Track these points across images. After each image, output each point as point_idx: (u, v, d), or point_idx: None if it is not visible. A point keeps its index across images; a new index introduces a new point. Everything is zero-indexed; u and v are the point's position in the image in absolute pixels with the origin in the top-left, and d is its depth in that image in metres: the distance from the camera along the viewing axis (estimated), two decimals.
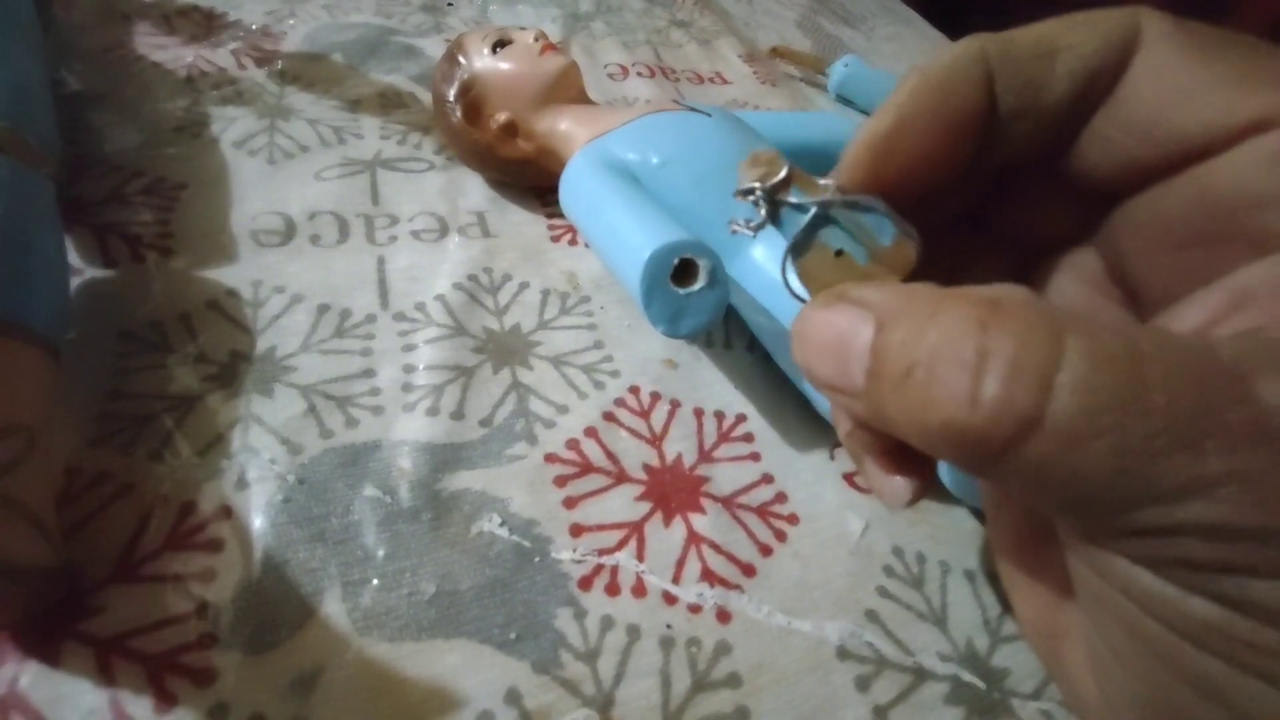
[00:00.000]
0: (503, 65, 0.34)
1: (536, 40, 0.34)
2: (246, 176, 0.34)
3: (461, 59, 0.35)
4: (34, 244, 0.23)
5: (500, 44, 0.34)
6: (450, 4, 0.55)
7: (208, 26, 0.44)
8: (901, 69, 0.61)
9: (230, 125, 0.37)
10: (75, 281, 0.28)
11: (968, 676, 0.23)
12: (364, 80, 0.43)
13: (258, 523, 0.22)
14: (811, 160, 0.34)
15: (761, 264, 0.28)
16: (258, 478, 0.24)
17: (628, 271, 0.24)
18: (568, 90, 0.34)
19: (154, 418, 0.24)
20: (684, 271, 0.24)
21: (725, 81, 0.55)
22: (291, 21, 0.47)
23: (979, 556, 0.27)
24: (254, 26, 0.45)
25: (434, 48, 0.49)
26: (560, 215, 0.37)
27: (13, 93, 0.26)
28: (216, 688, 0.19)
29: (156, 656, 0.19)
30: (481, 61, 0.34)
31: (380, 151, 0.38)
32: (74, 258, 0.28)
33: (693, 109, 0.31)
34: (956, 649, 0.24)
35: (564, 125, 0.33)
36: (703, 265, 0.24)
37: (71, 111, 0.35)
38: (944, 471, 0.26)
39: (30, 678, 0.18)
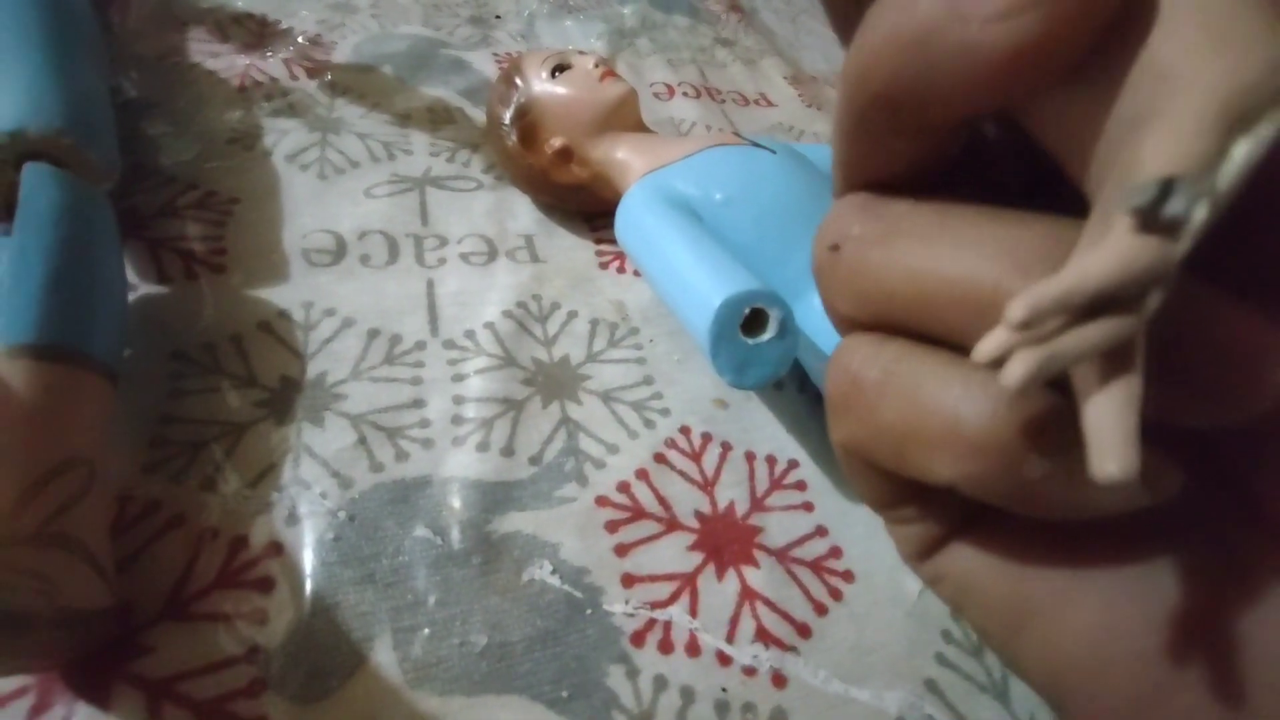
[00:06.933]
0: (561, 90, 0.33)
1: (596, 66, 0.34)
2: (298, 192, 0.34)
3: (519, 81, 0.34)
4: (96, 267, 0.23)
5: (560, 68, 0.34)
6: (498, 16, 0.54)
7: (260, 34, 0.44)
8: None
9: (283, 138, 0.37)
10: (130, 298, 0.27)
11: None
12: (413, 93, 0.43)
13: (308, 561, 0.22)
14: None
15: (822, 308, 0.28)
16: (308, 512, 0.23)
17: (694, 316, 0.24)
18: (626, 118, 0.34)
19: (205, 445, 0.24)
20: (753, 321, 0.23)
21: (770, 104, 0.54)
22: (341, 31, 0.47)
23: None
24: (305, 35, 0.45)
25: (481, 61, 0.48)
26: (609, 241, 0.36)
27: (76, 107, 0.26)
28: None
29: (208, 702, 0.19)
30: (540, 85, 0.34)
31: (430, 169, 0.38)
32: (129, 273, 0.28)
33: (756, 144, 0.31)
34: None
35: (621, 154, 0.33)
36: (773, 315, 0.23)
37: (127, 120, 0.35)
38: None
39: None
